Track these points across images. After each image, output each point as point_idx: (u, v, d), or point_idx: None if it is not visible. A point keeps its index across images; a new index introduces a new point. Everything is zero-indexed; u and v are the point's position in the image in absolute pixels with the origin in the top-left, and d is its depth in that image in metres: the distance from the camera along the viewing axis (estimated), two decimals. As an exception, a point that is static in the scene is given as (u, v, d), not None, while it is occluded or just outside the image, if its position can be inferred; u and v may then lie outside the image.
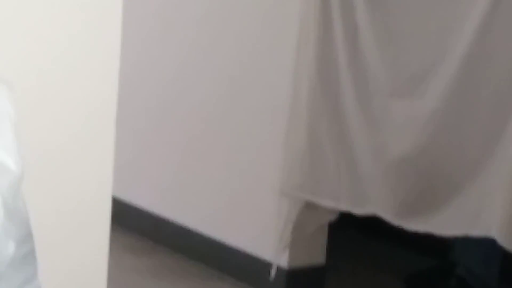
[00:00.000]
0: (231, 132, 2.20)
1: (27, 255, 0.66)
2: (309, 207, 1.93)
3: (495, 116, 1.79)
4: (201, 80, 2.31)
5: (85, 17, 1.05)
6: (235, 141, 2.19)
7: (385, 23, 1.98)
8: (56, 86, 1.03)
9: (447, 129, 1.84)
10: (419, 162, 1.85)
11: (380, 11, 1.98)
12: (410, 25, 1.95)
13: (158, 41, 2.46)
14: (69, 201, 1.06)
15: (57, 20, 1.02)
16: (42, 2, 1.01)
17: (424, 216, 1.80)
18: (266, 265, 2.01)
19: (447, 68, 1.78)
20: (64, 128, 1.05)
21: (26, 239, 0.66)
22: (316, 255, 2.03)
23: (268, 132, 2.10)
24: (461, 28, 1.79)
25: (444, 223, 1.77)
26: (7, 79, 0.72)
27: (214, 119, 2.28)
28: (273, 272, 1.96)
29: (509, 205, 1.70)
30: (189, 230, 2.23)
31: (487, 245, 1.84)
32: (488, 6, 1.72)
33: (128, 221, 2.00)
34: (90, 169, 1.11)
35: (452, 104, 1.81)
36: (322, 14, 2.01)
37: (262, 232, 2.10)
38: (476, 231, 1.72)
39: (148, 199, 2.31)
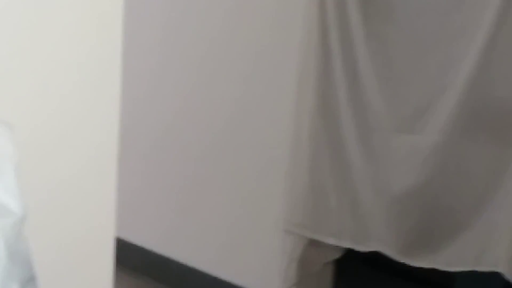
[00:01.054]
0: (233, 170, 2.19)
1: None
2: (314, 245, 1.91)
3: (497, 148, 1.78)
4: (200, 118, 2.31)
5: (84, 57, 1.04)
6: (237, 179, 2.18)
7: (384, 57, 2.00)
8: (57, 128, 1.03)
9: (449, 163, 1.82)
10: (421, 197, 1.83)
11: (379, 46, 2.00)
12: (410, 60, 1.95)
13: (155, 80, 2.43)
14: (72, 242, 1.03)
15: (55, 61, 1.01)
16: (39, 48, 0.98)
17: (429, 252, 1.79)
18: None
19: (447, 102, 1.77)
20: (66, 169, 1.03)
21: (29, 280, 0.67)
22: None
23: (270, 169, 2.09)
24: (461, 62, 1.80)
25: (449, 259, 1.75)
26: (7, 120, 0.74)
27: (215, 157, 2.26)
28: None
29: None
30: (193, 269, 2.18)
31: (489, 277, 1.83)
32: (487, 42, 1.73)
33: (131, 261, 1.93)
34: (92, 210, 1.09)
35: (453, 138, 1.79)
36: (321, 48, 2.01)
37: (267, 270, 2.07)
38: (483, 267, 1.69)
39: (152, 239, 2.27)
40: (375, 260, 2.08)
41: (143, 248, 2.32)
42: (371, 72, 1.97)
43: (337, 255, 1.94)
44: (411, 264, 1.78)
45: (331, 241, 1.90)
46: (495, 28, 1.76)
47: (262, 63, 2.20)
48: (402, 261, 1.79)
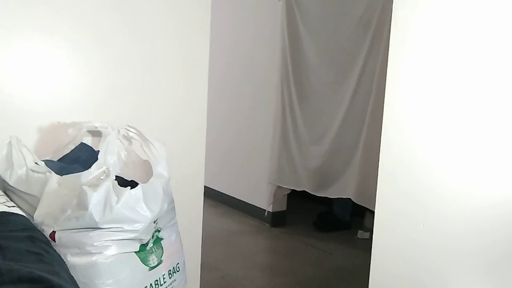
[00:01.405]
0: (247, 147, 3.53)
1: (171, 209, 1.28)
2: (279, 187, 3.32)
3: (355, 139, 2.83)
4: (233, 118, 3.68)
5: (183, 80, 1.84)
6: (249, 152, 3.56)
7: (305, 100, 3.13)
8: (174, 125, 1.86)
9: (334, 149, 3.00)
10: (323, 168, 3.06)
11: (301, 89, 3.13)
12: (318, 104, 3.07)
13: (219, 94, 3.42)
14: (183, 183, 1.91)
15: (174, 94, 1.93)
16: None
17: (325, 189, 3.08)
18: (262, 210, 3.43)
19: (332, 132, 2.97)
20: (180, 148, 2.05)
21: (171, 202, 1.27)
22: (282, 206, 3.44)
23: (263, 149, 3.43)
24: (337, 110, 2.93)
25: (332, 192, 3.03)
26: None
27: (239, 136, 3.59)
28: (266, 213, 3.38)
29: (358, 180, 2.82)
30: (226, 194, 3.73)
31: (346, 200, 3.00)
32: (351, 93, 2.82)
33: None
34: (193, 167, 1.95)
35: (335, 145, 2.99)
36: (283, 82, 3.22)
37: (262, 196, 3.46)
38: (344, 194, 2.94)
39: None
40: (303, 192, 3.29)
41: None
42: (297, 106, 3.19)
43: (289, 191, 3.35)
44: (318, 195, 3.14)
45: (286, 186, 3.28)
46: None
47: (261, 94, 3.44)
48: (314, 193, 3.16)
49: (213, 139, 3.47)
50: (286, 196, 3.45)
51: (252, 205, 3.57)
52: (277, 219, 3.43)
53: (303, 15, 3.16)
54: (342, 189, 3.01)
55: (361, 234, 3.24)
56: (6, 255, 0.86)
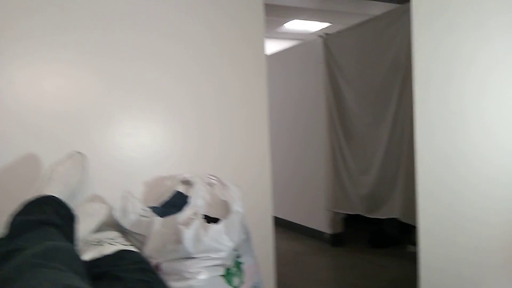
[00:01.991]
0: (304, 174, 3.48)
1: (248, 238, 1.32)
2: (337, 212, 3.25)
3: (397, 167, 2.75)
4: (288, 146, 3.68)
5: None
6: (304, 182, 3.55)
7: (351, 138, 3.11)
8: (244, 157, 1.89)
9: (380, 177, 2.91)
10: (372, 194, 2.94)
11: (347, 131, 3.13)
12: (362, 141, 2.99)
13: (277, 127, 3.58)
14: (253, 214, 1.98)
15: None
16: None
17: (376, 211, 2.93)
18: (323, 232, 3.36)
19: (376, 163, 2.91)
20: (250, 179, 1.98)
21: (246, 232, 1.32)
22: (340, 228, 3.31)
23: (318, 181, 3.39)
24: (379, 144, 2.88)
25: (382, 213, 2.88)
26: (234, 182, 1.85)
27: (296, 165, 3.56)
28: (326, 235, 3.32)
29: (402, 202, 2.69)
30: (289, 221, 3.62)
31: (394, 219, 2.82)
32: (389, 129, 2.78)
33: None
34: (262, 197, 1.95)
35: (380, 173, 2.90)
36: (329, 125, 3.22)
37: (321, 220, 3.37)
38: (392, 215, 2.80)
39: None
40: (357, 215, 3.15)
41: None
42: (344, 143, 3.14)
43: (344, 215, 3.25)
44: (369, 216, 2.98)
45: (341, 211, 3.21)
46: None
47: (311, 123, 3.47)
48: (366, 215, 3.01)
49: (275, 175, 3.51)
50: (342, 219, 3.36)
51: (313, 228, 3.51)
52: (336, 240, 3.33)
53: (340, 70, 3.19)
54: (390, 210, 2.89)
55: (410, 248, 3.05)
56: (124, 285, 0.91)
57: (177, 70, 1.71)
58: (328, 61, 3.24)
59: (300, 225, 3.67)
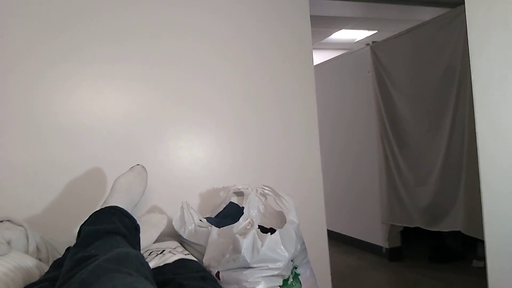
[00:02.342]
0: (360, 190, 3.44)
1: (303, 249, 1.29)
2: (394, 225, 3.12)
3: (457, 176, 2.60)
4: (344, 158, 3.62)
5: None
6: (359, 195, 3.44)
7: (405, 147, 3.00)
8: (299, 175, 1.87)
9: (439, 187, 2.75)
10: (432, 205, 2.80)
11: (401, 141, 3.01)
12: (417, 150, 2.90)
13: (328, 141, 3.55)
14: (310, 227, 1.90)
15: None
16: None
17: (436, 224, 2.78)
18: (379, 247, 3.24)
19: (435, 173, 2.76)
20: (306, 196, 2.00)
21: (302, 243, 1.31)
22: (397, 242, 3.19)
23: (373, 193, 3.30)
24: (437, 153, 2.74)
25: (444, 226, 2.73)
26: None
27: (350, 180, 3.53)
28: (384, 249, 3.20)
29: (465, 213, 2.55)
30: (345, 235, 3.54)
31: (456, 232, 2.68)
32: (447, 136, 2.67)
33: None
34: (316, 212, 1.95)
35: (440, 184, 2.74)
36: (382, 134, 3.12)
37: (377, 234, 3.26)
38: (454, 228, 2.64)
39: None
40: (415, 228, 3.00)
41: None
42: (398, 153, 3.02)
43: (402, 228, 3.11)
44: (430, 229, 2.82)
45: (399, 224, 3.08)
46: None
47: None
48: (426, 228, 2.85)
49: (329, 188, 3.47)
50: (399, 233, 3.23)
51: (369, 242, 3.40)
52: (394, 254, 3.20)
53: (390, 78, 3.12)
54: (452, 222, 2.73)
55: (475, 263, 2.87)
56: (187, 292, 0.95)
57: (226, 87, 1.76)
58: (377, 70, 3.19)
59: (356, 239, 3.58)
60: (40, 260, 1.17)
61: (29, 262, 1.05)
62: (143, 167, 1.36)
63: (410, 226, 3.05)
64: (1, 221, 1.24)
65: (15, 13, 1.46)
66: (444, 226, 2.80)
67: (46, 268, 1.08)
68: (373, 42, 3.28)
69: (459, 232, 2.67)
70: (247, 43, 1.81)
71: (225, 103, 1.76)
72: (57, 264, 1.02)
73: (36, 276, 1.02)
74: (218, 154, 1.74)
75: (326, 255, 1.97)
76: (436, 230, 2.87)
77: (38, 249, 1.21)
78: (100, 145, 1.54)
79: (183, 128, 1.68)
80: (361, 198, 3.50)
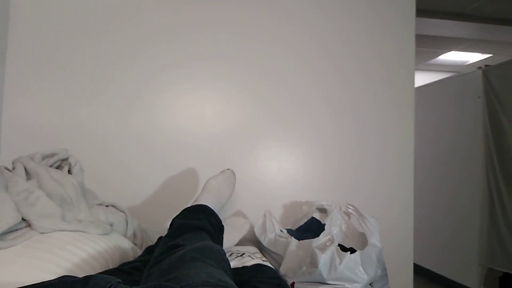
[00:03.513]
0: (448, 221, 3.14)
1: (384, 275, 1.27)
2: (492, 269, 2.84)
3: None
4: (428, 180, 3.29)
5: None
6: (455, 231, 3.12)
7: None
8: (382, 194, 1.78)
9: None
10: None
11: (510, 177, 2.77)
12: None
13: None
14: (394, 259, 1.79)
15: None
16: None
17: None
18: (473, 291, 2.97)
19: None
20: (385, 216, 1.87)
21: (383, 269, 1.27)
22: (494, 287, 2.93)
23: (471, 231, 2.99)
24: None
25: None
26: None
27: (440, 209, 3.22)
28: (478, 295, 2.95)
29: None
30: (435, 273, 3.25)
31: None
32: None
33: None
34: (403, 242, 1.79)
35: None
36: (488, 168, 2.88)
37: (472, 276, 2.94)
38: None
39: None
40: None
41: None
42: (505, 190, 2.71)
43: (501, 273, 2.81)
44: None
45: (498, 268, 2.78)
46: None
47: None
48: None
49: (421, 219, 3.29)
50: (497, 278, 2.90)
51: (462, 284, 3.09)
52: (492, 302, 2.88)
53: (503, 106, 2.86)
54: None
55: None
56: (262, 295, 0.99)
57: (322, 99, 1.79)
58: (488, 95, 2.94)
59: (446, 278, 3.29)
60: (135, 244, 1.31)
61: (126, 244, 1.18)
62: (233, 172, 1.44)
63: (511, 272, 2.73)
64: (106, 206, 1.41)
65: (124, 17, 1.67)
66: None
67: (139, 252, 1.21)
68: (485, 65, 3.04)
69: None
70: (345, 52, 1.82)
71: (320, 119, 1.79)
72: (149, 250, 1.14)
73: (130, 258, 1.15)
74: (307, 168, 1.77)
75: (410, 285, 1.87)
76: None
77: (135, 235, 1.35)
78: (197, 148, 1.68)
79: (273, 139, 1.75)
80: (457, 234, 3.22)
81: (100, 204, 1.30)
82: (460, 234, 3.18)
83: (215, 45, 1.71)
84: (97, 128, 1.60)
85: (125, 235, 1.29)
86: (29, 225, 0.95)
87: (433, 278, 3.43)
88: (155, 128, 1.65)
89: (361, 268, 1.15)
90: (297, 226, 1.60)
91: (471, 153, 3.09)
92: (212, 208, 1.26)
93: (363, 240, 1.31)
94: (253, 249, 1.39)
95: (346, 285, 1.13)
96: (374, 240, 1.27)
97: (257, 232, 1.46)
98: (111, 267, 0.99)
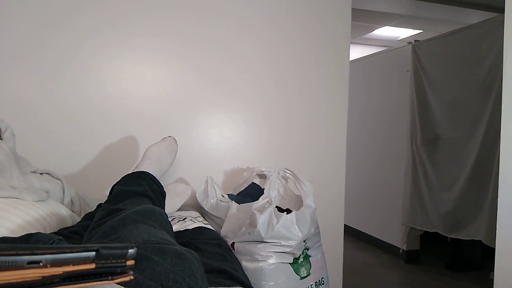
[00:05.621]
0: (384, 188, 3.42)
1: (317, 233, 1.38)
2: (413, 228, 3.09)
3: (484, 186, 2.57)
4: (376, 156, 3.56)
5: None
6: (381, 193, 3.44)
7: (434, 151, 2.95)
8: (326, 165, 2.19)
9: (464, 195, 2.73)
10: (454, 212, 2.79)
11: (431, 145, 2.95)
12: (446, 155, 2.86)
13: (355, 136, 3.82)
14: (327, 219, 2.11)
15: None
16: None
17: (457, 232, 2.76)
18: (397, 247, 3.22)
19: (462, 180, 2.74)
20: (326, 186, 2.11)
21: (316, 227, 1.48)
22: (415, 245, 3.16)
23: (395, 193, 3.26)
24: (466, 160, 2.71)
25: (464, 234, 2.70)
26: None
27: (373, 176, 3.55)
28: (400, 251, 3.18)
29: (488, 223, 2.52)
30: (361, 231, 3.54)
31: (476, 241, 2.68)
32: (479, 145, 2.72)
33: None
34: (335, 205, 2.07)
35: (465, 191, 2.74)
36: (412, 136, 3.10)
37: (395, 234, 3.24)
38: (475, 236, 2.62)
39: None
40: (435, 233, 2.99)
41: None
42: (426, 156, 3.00)
43: (421, 232, 3.08)
44: (450, 236, 2.81)
45: (419, 227, 3.05)
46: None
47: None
48: (447, 235, 2.84)
49: (351, 182, 3.50)
50: (419, 236, 3.22)
51: (386, 242, 3.40)
52: (411, 257, 3.19)
53: (429, 79, 3.08)
54: (474, 231, 2.70)
55: (493, 275, 2.82)
56: (203, 255, 1.04)
57: (265, 66, 1.82)
58: (416, 69, 3.15)
59: (372, 236, 3.60)
60: (73, 212, 1.29)
61: (64, 211, 1.16)
62: (174, 139, 1.45)
63: (429, 230, 3.03)
64: (41, 174, 1.36)
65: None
66: (465, 234, 2.78)
67: (78, 219, 1.19)
68: (415, 41, 3.24)
69: (479, 242, 2.66)
70: (291, 25, 1.85)
71: (254, 87, 1.82)
72: (89, 217, 1.13)
73: (69, 224, 1.13)
74: (245, 135, 1.81)
75: (340, 245, 2.02)
76: (456, 237, 2.85)
77: (72, 202, 1.32)
78: (135, 116, 1.64)
79: (215, 108, 1.76)
80: (383, 196, 3.50)
81: (34, 172, 1.25)
82: (386, 197, 3.46)
83: (160, 3, 1.66)
84: (28, 96, 1.51)
85: (62, 203, 1.26)
86: (-44, 193, 0.90)
87: (361, 237, 3.72)
88: (93, 93, 1.59)
89: (296, 227, 1.23)
90: (238, 191, 1.66)
91: (398, 122, 3.34)
92: (153, 174, 1.26)
93: (299, 202, 1.39)
94: (194, 213, 1.43)
95: (282, 242, 1.20)
96: (309, 201, 1.35)
97: (199, 197, 1.49)
98: (49, 232, 0.98)
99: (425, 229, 3.08)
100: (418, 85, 3.13)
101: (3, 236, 0.70)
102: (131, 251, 0.33)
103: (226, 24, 1.75)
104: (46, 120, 1.53)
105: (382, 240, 3.46)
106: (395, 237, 3.29)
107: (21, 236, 0.60)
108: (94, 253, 0.31)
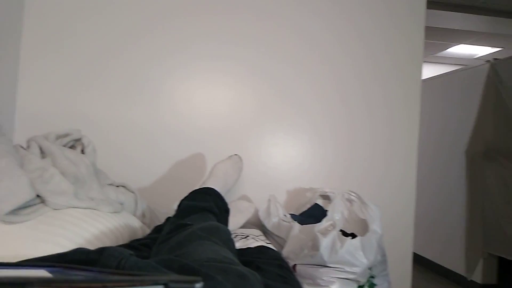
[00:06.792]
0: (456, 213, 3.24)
1: (384, 261, 1.29)
2: (491, 258, 2.92)
3: None
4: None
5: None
6: (456, 224, 3.16)
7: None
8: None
9: None
10: None
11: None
12: None
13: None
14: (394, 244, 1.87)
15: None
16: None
17: None
18: (473, 282, 2.97)
19: None
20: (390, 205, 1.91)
21: (383, 255, 1.31)
22: (493, 279, 2.90)
23: (472, 223, 3.07)
24: None
25: None
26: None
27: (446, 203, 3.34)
28: (474, 284, 2.92)
29: None
30: (433, 262, 3.28)
31: None
32: None
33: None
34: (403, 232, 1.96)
35: None
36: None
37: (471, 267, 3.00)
38: None
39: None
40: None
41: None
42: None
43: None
44: None
45: (497, 254, 2.85)
46: None
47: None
48: None
49: (423, 210, 3.29)
50: (496, 270, 2.91)
51: (461, 275, 3.12)
52: (487, 292, 2.90)
53: (510, 98, 2.84)
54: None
55: None
56: (264, 275, 1.02)
57: (334, 87, 1.80)
58: (495, 88, 2.91)
59: (447, 268, 3.30)
60: (144, 224, 1.35)
61: (136, 223, 1.22)
62: (240, 157, 1.47)
63: (508, 258, 2.74)
64: (117, 186, 1.45)
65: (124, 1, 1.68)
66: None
67: (148, 231, 1.24)
68: (494, 59, 3.01)
69: None
70: (358, 47, 1.82)
71: (322, 106, 1.80)
72: (158, 229, 1.17)
73: (139, 236, 1.18)
74: (309, 155, 1.79)
75: (408, 275, 1.89)
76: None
77: (143, 214, 1.38)
78: (203, 133, 1.70)
79: (280, 126, 1.76)
80: (459, 226, 3.23)
81: (111, 184, 1.34)
82: (462, 228, 3.18)
83: (221, 25, 1.71)
84: (99, 114, 1.63)
85: (134, 215, 1.33)
86: (43, 202, 0.98)
87: (431, 267, 3.45)
88: (164, 112, 1.67)
89: (361, 253, 1.17)
90: (300, 212, 1.63)
91: (461, 141, 3.09)
92: (218, 191, 1.28)
93: (364, 227, 1.33)
94: (257, 232, 1.42)
95: (346, 268, 1.15)
96: (375, 226, 1.29)
97: (262, 215, 1.48)
98: (121, 243, 1.03)
99: (504, 256, 2.78)
100: (499, 104, 2.89)
101: (80, 246, 0.75)
102: (197, 285, 0.34)
103: (296, 42, 1.76)
104: (120, 138, 1.64)
105: (456, 273, 3.17)
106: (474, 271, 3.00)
107: (96, 249, 0.63)
108: (162, 286, 0.32)
